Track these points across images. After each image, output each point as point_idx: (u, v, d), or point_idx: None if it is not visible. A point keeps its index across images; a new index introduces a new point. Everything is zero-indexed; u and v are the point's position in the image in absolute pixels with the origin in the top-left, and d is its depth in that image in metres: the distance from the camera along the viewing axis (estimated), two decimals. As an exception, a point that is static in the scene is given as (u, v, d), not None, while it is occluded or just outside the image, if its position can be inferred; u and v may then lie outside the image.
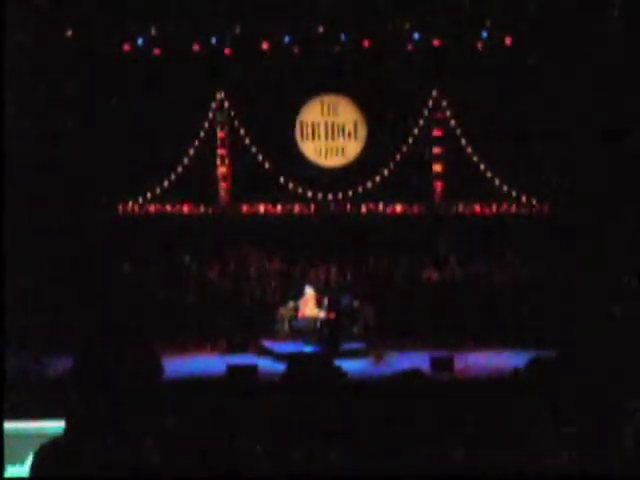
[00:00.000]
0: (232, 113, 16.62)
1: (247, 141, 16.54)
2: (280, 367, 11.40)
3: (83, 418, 2.98)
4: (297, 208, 16.58)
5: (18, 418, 4.57)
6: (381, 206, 16.46)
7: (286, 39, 15.85)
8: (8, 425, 4.29)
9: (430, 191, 16.51)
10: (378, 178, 16.42)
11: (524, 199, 16.11)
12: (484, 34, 15.57)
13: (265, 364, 12.62)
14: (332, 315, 14.07)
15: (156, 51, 15.87)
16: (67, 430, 3.04)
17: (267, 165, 16.44)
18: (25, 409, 4.90)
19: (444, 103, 16.37)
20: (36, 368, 11.68)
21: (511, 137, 15.52)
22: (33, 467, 3.05)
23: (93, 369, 2.84)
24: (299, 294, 14.67)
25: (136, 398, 2.93)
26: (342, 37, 15.87)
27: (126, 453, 2.95)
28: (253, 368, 11.71)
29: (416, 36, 15.70)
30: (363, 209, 16.50)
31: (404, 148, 16.37)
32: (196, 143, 16.47)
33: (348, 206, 16.52)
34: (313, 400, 3.36)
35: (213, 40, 15.86)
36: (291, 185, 16.49)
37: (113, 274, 15.65)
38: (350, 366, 11.90)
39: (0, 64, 4.71)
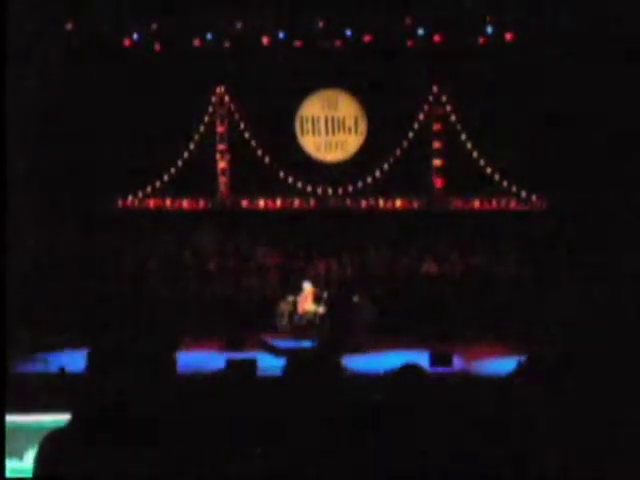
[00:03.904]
0: (232, 108, 16.63)
1: (247, 136, 16.54)
2: (280, 362, 11.39)
3: (90, 411, 2.97)
4: (297, 203, 16.58)
5: (16, 412, 4.57)
6: (381, 201, 16.46)
7: (286, 34, 15.84)
8: (7, 419, 4.29)
9: (430, 186, 16.52)
10: (378, 173, 16.43)
11: (524, 194, 16.11)
12: (484, 29, 15.56)
13: (265, 359, 12.62)
14: (331, 310, 14.08)
15: (156, 46, 15.87)
16: (73, 422, 3.03)
17: (267, 160, 16.44)
18: (23, 403, 4.90)
19: (444, 98, 16.37)
20: (35, 362, 11.71)
21: (511, 132, 15.51)
22: (39, 458, 3.04)
23: (102, 364, 2.85)
24: (298, 289, 14.67)
25: (142, 394, 2.93)
26: (343, 32, 15.86)
27: (128, 448, 2.94)
28: (253, 362, 11.72)
29: (417, 31, 15.68)
30: (363, 204, 16.50)
31: (404, 143, 16.37)
32: (196, 137, 16.48)
33: (348, 201, 16.53)
34: (312, 396, 3.36)
35: (213, 35, 15.85)
36: (291, 180, 16.49)
37: (113, 268, 15.65)
38: (350, 361, 11.91)
39: (1, 62, 4.71)
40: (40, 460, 3.00)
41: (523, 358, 3.90)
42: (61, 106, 15.26)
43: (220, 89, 16.62)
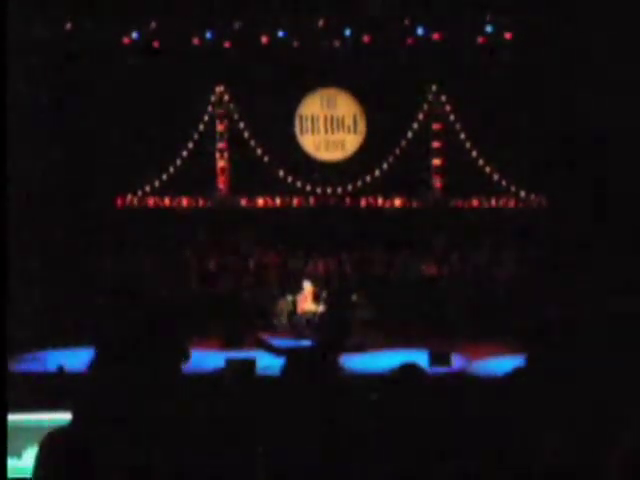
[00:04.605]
0: (231, 106, 16.63)
1: (246, 134, 16.54)
2: (279, 361, 11.35)
3: (91, 411, 2.96)
4: (296, 201, 16.58)
5: (14, 410, 4.56)
6: (380, 200, 16.46)
7: (286, 33, 15.83)
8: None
9: (429, 186, 16.52)
10: (377, 172, 16.43)
11: (523, 194, 16.11)
12: (483, 29, 15.55)
13: (264, 358, 12.60)
14: (330, 309, 14.07)
15: (155, 44, 15.86)
16: (74, 421, 3.02)
17: (266, 159, 16.44)
18: (21, 401, 4.90)
19: (443, 98, 16.37)
20: (33, 361, 11.70)
21: (510, 132, 15.51)
22: (40, 457, 3.03)
23: (106, 364, 2.82)
24: (297, 288, 14.65)
25: (143, 394, 2.92)
26: (342, 31, 15.85)
27: (128, 447, 2.94)
28: (252, 361, 11.71)
29: (416, 30, 15.67)
30: (362, 203, 16.50)
31: (403, 142, 16.37)
32: (195, 136, 16.47)
33: (347, 200, 16.53)
34: (311, 394, 3.36)
35: (213, 34, 15.85)
36: (290, 178, 16.49)
37: (111, 267, 15.63)
38: (348, 361, 11.89)
39: (1, 61, 4.70)
40: (41, 459, 3.00)
41: (524, 358, 3.89)
42: (61, 105, 15.24)
43: (219, 88, 16.62)
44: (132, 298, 14.44)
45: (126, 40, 15.79)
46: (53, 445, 3.03)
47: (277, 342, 13.84)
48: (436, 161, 16.47)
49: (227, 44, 15.92)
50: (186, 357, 3.54)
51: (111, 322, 12.30)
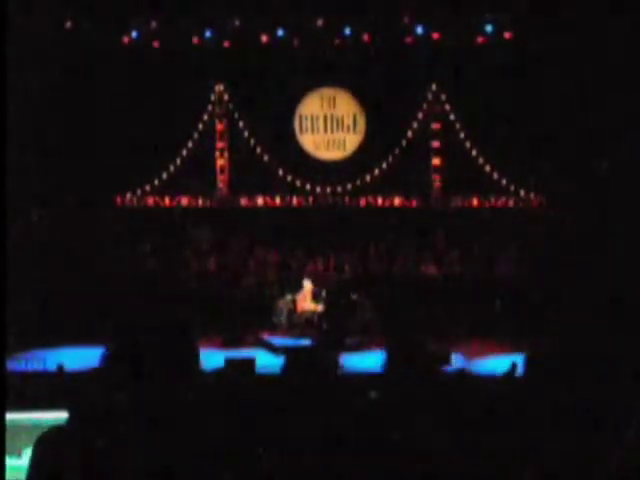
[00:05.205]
0: (231, 106, 16.62)
1: (246, 134, 16.54)
2: (279, 360, 11.32)
3: (90, 410, 2.96)
4: (295, 201, 16.58)
5: (13, 409, 4.56)
6: (380, 199, 16.46)
7: (285, 32, 15.82)
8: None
9: (429, 185, 16.52)
10: (377, 171, 16.43)
11: (522, 193, 16.11)
12: (483, 28, 15.55)
13: (264, 357, 12.61)
14: (330, 308, 14.07)
15: (155, 44, 15.85)
16: (70, 420, 3.02)
17: (266, 158, 16.44)
18: (21, 400, 4.90)
19: (443, 97, 16.37)
20: (33, 360, 11.69)
21: (510, 131, 15.51)
22: (34, 457, 3.03)
23: (116, 364, 2.81)
24: (297, 287, 14.65)
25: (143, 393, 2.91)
26: (342, 30, 15.84)
27: (125, 447, 2.93)
28: (252, 360, 11.70)
29: (415, 29, 15.67)
30: (362, 202, 16.50)
31: (403, 142, 16.37)
32: (195, 136, 16.47)
33: (347, 199, 16.52)
34: (311, 393, 3.36)
35: (213, 33, 15.84)
36: (290, 178, 16.50)
37: (111, 267, 15.63)
38: (348, 360, 11.89)
39: (1, 62, 4.69)
40: (35, 458, 2.99)
41: (518, 358, 3.90)
42: (61, 104, 15.23)
43: (219, 87, 16.61)
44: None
45: (126, 40, 15.78)
46: (48, 444, 3.03)
47: (277, 341, 13.87)
48: (436, 160, 16.47)
49: (227, 43, 15.91)
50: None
51: (127, 323, 12.27)
